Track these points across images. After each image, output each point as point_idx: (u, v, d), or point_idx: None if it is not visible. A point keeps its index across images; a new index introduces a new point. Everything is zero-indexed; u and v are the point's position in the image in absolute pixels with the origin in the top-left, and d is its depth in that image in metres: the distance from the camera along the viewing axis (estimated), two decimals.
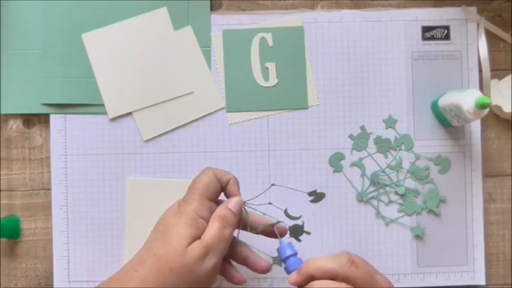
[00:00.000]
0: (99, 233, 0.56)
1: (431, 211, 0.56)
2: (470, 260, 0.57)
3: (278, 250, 0.46)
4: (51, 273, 0.56)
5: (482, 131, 0.57)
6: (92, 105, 0.56)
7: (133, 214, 0.56)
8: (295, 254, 0.45)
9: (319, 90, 0.57)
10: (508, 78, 0.57)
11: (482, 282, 0.57)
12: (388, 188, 0.56)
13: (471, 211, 0.57)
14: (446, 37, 0.57)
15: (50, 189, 0.56)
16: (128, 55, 0.56)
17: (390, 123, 0.57)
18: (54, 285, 0.56)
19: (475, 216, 0.57)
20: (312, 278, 0.42)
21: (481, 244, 0.57)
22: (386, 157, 0.57)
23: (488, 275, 0.57)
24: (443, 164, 0.57)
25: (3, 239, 0.56)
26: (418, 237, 0.56)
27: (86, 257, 0.55)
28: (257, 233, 0.48)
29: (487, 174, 0.58)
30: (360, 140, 0.57)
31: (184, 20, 0.57)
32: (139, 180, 0.56)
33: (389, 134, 0.57)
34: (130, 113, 0.56)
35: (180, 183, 0.56)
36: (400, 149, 0.57)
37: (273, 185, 0.52)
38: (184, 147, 0.57)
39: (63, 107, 0.56)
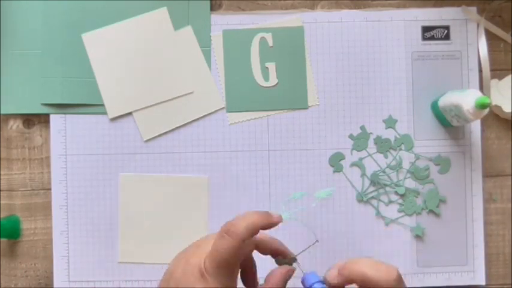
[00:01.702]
0: (99, 233, 0.56)
1: (431, 211, 0.56)
2: (470, 260, 0.57)
3: (302, 281, 0.43)
4: (51, 273, 0.56)
5: (482, 131, 0.57)
6: (92, 105, 0.56)
7: (126, 210, 0.56)
8: (319, 281, 0.42)
9: (319, 90, 0.57)
10: (508, 78, 0.57)
11: (482, 282, 0.57)
12: (388, 188, 0.56)
13: (471, 211, 0.57)
14: (446, 37, 0.57)
15: (50, 189, 0.56)
16: (128, 55, 0.56)
17: (390, 123, 0.57)
18: (54, 285, 0.56)
19: (475, 216, 0.57)
20: (350, 281, 0.39)
21: (481, 244, 0.57)
22: (386, 157, 0.57)
23: (488, 275, 0.57)
24: (443, 164, 0.57)
25: (3, 239, 0.56)
26: (418, 237, 0.56)
27: (86, 257, 0.55)
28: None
29: (487, 174, 0.58)
30: (360, 140, 0.57)
31: (184, 20, 0.57)
32: (132, 176, 0.56)
33: (390, 134, 0.57)
34: (130, 113, 0.56)
35: (173, 178, 0.56)
36: (400, 149, 0.57)
37: (317, 241, 0.47)
38: (184, 147, 0.57)
39: (63, 107, 0.56)
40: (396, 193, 0.56)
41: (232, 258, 0.40)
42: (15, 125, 0.57)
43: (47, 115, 0.56)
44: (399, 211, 0.56)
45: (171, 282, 0.41)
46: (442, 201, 0.56)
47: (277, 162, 0.57)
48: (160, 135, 0.57)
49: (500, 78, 0.58)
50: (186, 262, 0.41)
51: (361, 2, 0.57)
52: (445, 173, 0.57)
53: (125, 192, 0.56)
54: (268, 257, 0.43)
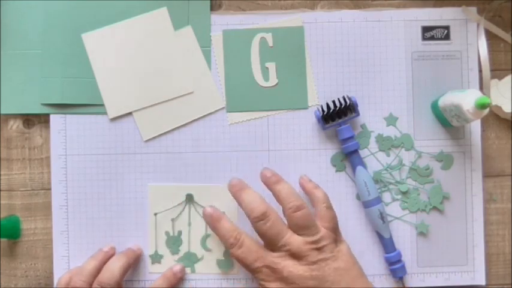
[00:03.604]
0: (99, 233, 0.56)
1: (434, 208, 0.56)
2: (470, 260, 0.57)
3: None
4: (51, 273, 0.56)
5: (482, 131, 0.57)
6: (92, 105, 0.56)
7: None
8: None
9: (319, 90, 0.57)
10: (508, 78, 0.57)
11: (482, 283, 0.57)
12: (391, 186, 0.56)
13: (471, 211, 0.57)
14: (446, 37, 0.57)
15: (50, 189, 0.56)
16: (128, 55, 0.56)
17: (391, 121, 0.57)
18: (54, 285, 0.56)
19: (475, 216, 0.57)
20: None
21: (481, 244, 0.57)
22: (388, 155, 0.57)
23: (488, 275, 0.57)
24: (445, 160, 0.57)
25: (3, 239, 0.56)
26: (422, 234, 0.56)
27: (86, 257, 0.55)
28: None
29: (487, 174, 0.58)
30: (361, 139, 0.57)
31: (184, 20, 0.57)
32: (160, 186, 0.56)
33: (391, 132, 0.57)
34: (130, 113, 0.56)
35: (198, 187, 0.56)
36: (402, 147, 0.57)
37: None
38: (184, 147, 0.57)
39: (63, 107, 0.56)
40: (399, 191, 0.56)
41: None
42: (15, 125, 0.57)
43: (47, 115, 0.56)
44: (403, 208, 0.56)
45: None
46: (446, 197, 0.56)
47: (277, 162, 0.57)
48: (160, 135, 0.57)
49: (500, 78, 0.58)
50: None
51: (361, 2, 0.57)
52: (447, 169, 0.57)
53: (153, 203, 0.56)
54: None
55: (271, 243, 0.49)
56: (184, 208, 0.55)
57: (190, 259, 0.56)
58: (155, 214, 0.55)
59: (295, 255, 0.48)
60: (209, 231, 0.55)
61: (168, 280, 0.54)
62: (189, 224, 0.55)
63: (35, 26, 0.56)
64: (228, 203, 0.53)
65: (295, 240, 0.49)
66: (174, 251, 0.55)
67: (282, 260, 0.49)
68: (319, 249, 0.48)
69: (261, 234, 0.50)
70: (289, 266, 0.48)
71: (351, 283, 0.48)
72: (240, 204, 0.51)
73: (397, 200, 0.57)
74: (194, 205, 0.55)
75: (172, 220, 0.55)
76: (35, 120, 0.57)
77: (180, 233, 0.56)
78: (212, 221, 0.52)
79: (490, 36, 0.58)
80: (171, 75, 0.56)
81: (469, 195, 0.57)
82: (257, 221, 0.49)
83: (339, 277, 0.48)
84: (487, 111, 0.50)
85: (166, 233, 0.56)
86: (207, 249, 0.56)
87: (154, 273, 0.56)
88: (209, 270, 0.56)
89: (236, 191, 0.51)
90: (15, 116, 0.57)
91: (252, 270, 0.50)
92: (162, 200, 0.56)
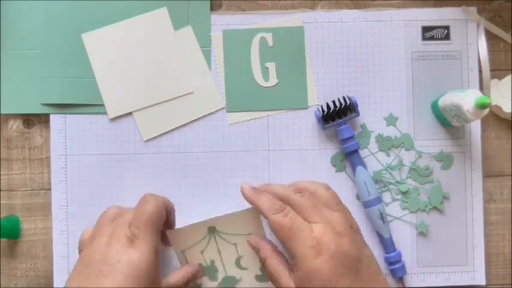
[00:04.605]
0: None
1: (434, 208, 0.56)
2: (470, 260, 0.57)
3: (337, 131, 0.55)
4: (51, 273, 0.56)
5: (482, 131, 0.58)
6: (92, 105, 0.56)
7: None
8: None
9: (319, 90, 0.57)
10: (508, 78, 0.57)
11: (483, 283, 0.57)
12: (391, 186, 0.56)
13: (471, 211, 0.57)
14: (446, 37, 0.57)
15: (50, 189, 0.56)
16: (128, 55, 0.56)
17: (391, 121, 0.57)
18: (54, 285, 0.56)
19: (475, 216, 0.57)
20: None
21: (481, 244, 0.57)
22: (388, 155, 0.57)
23: (488, 275, 0.57)
24: (445, 159, 0.57)
25: (3, 239, 0.56)
26: (422, 234, 0.56)
27: None
28: None
29: (487, 174, 0.58)
30: (361, 139, 0.57)
31: (184, 20, 0.57)
32: (180, 230, 0.52)
33: (391, 132, 0.57)
34: (130, 113, 0.56)
35: (218, 219, 0.53)
36: (402, 147, 0.57)
37: None
38: (184, 147, 0.57)
39: (63, 107, 0.56)
40: (399, 191, 0.56)
41: (157, 216, 0.47)
42: (15, 125, 0.57)
43: (47, 115, 0.56)
44: (403, 208, 0.56)
45: (96, 258, 0.44)
46: (446, 197, 0.56)
47: (277, 162, 0.57)
48: (160, 135, 0.57)
49: (500, 78, 0.58)
50: (110, 236, 0.46)
51: (361, 2, 0.57)
52: (447, 169, 0.57)
53: None
54: None
55: None
56: (209, 240, 0.52)
57: (230, 282, 0.53)
58: (182, 252, 0.52)
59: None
60: (241, 252, 0.52)
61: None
62: (219, 252, 0.52)
63: (35, 26, 0.56)
64: (253, 227, 0.52)
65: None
66: (212, 278, 0.53)
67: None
68: None
69: (284, 225, 0.47)
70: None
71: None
72: (256, 204, 0.49)
73: (397, 200, 0.57)
74: (219, 234, 0.52)
75: (202, 252, 0.52)
76: (35, 120, 0.57)
77: (212, 261, 0.53)
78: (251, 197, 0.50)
79: (490, 36, 0.58)
80: (171, 75, 0.56)
81: (469, 195, 0.57)
82: (279, 212, 0.47)
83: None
84: (487, 111, 0.50)
85: (200, 265, 0.52)
86: (244, 269, 0.53)
87: None
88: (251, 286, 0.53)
89: (252, 197, 0.50)
90: (15, 116, 0.57)
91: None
92: (184, 239, 0.52)
